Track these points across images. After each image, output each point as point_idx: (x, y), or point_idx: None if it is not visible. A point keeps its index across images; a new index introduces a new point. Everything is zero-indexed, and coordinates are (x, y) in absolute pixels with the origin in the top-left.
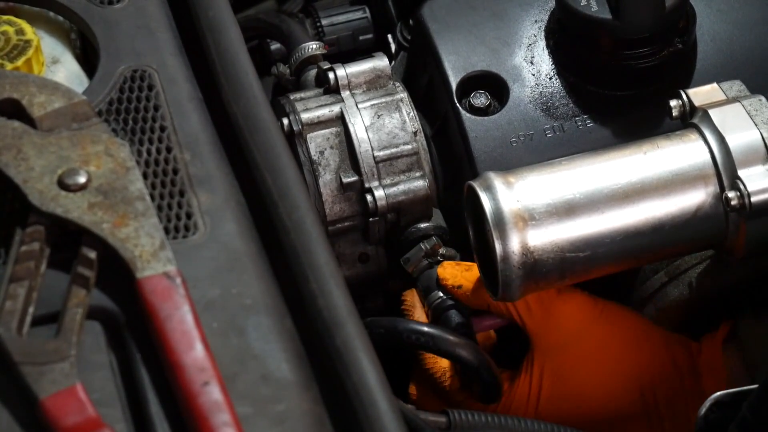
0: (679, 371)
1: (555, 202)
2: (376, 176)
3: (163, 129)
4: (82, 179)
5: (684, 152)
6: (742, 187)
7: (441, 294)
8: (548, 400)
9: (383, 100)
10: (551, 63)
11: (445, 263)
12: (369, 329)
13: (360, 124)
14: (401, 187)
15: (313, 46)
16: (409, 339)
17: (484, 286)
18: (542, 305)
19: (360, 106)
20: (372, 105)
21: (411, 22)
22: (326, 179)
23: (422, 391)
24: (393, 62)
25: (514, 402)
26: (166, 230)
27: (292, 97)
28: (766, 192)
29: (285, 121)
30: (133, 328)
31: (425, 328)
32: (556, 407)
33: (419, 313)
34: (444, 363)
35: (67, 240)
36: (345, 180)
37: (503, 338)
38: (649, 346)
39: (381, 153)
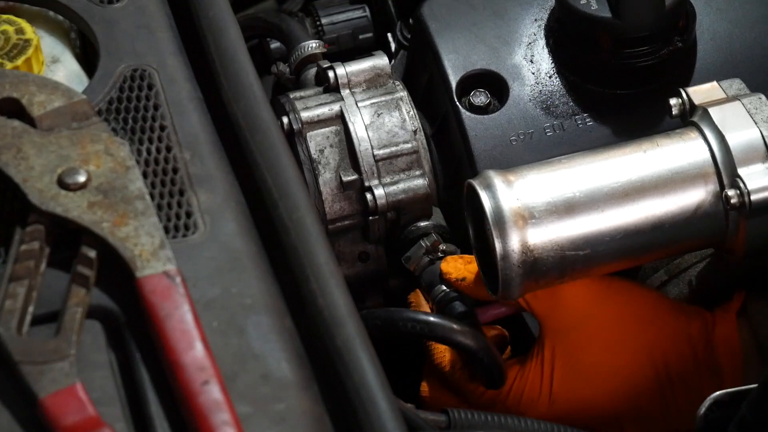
0: (693, 344)
1: (555, 200)
2: (375, 175)
3: (163, 128)
4: (81, 178)
5: (684, 151)
6: (741, 185)
7: (444, 287)
8: (561, 382)
9: (383, 98)
10: (551, 61)
11: (448, 257)
12: (366, 321)
13: (360, 123)
14: (401, 185)
15: (312, 45)
16: (406, 328)
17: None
18: (548, 288)
19: (360, 104)
20: (372, 104)
21: (411, 20)
22: (326, 178)
23: (434, 385)
24: (393, 61)
25: (526, 386)
26: (166, 229)
27: (291, 96)
28: (766, 190)
29: (285, 119)
30: (132, 328)
31: (421, 316)
32: (569, 388)
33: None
34: (452, 355)
35: (67, 239)
36: (345, 179)
37: (514, 332)
38: (661, 320)
39: (381, 151)
